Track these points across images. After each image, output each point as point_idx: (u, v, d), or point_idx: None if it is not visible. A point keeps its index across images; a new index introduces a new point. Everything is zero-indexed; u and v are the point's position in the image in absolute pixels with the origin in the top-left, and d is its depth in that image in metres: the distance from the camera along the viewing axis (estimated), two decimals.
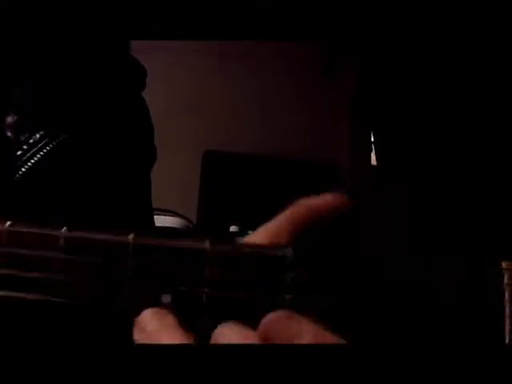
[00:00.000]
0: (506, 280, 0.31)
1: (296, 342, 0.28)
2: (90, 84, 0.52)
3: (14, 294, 0.32)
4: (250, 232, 0.37)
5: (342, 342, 0.28)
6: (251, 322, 0.30)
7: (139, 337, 0.30)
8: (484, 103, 0.80)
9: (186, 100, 2.44)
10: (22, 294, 0.32)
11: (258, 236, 0.36)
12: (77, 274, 0.32)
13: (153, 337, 0.30)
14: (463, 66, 0.87)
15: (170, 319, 0.30)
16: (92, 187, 0.48)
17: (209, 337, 0.30)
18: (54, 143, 0.46)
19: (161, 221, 1.49)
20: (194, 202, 2.34)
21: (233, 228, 1.79)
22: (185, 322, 0.31)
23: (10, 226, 0.33)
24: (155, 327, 0.30)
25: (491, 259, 0.32)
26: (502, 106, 0.78)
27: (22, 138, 0.46)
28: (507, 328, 0.32)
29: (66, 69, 0.51)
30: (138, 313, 0.31)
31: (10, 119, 0.48)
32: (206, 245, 0.32)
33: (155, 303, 0.32)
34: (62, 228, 0.33)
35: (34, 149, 0.45)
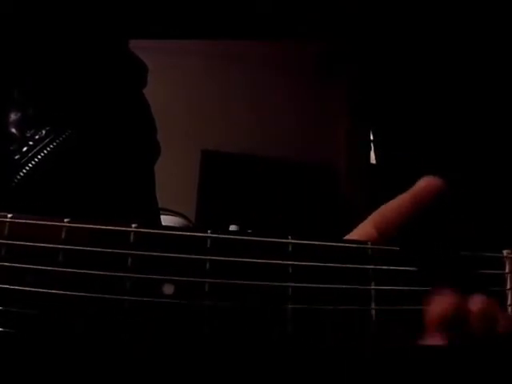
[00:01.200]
0: (507, 268, 0.32)
1: None
2: (92, 80, 0.52)
3: (14, 286, 0.32)
4: (249, 231, 0.37)
5: None
6: (253, 309, 0.30)
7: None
8: (482, 101, 0.81)
9: (184, 100, 2.44)
10: (24, 287, 0.32)
11: (364, 228, 0.36)
12: (78, 265, 0.32)
13: None
14: (461, 66, 0.88)
15: None
16: (98, 182, 0.48)
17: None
18: (61, 139, 0.46)
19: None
20: (193, 201, 2.34)
21: (232, 227, 1.80)
22: (187, 312, 0.31)
23: (11, 217, 0.32)
24: None
25: (493, 248, 0.32)
26: (500, 105, 0.78)
27: (28, 135, 0.47)
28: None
29: (67, 65, 0.51)
30: (140, 304, 0.31)
31: (13, 116, 0.48)
32: (208, 234, 0.32)
33: (157, 293, 0.31)
34: (64, 219, 0.32)
35: (41, 145, 0.46)
